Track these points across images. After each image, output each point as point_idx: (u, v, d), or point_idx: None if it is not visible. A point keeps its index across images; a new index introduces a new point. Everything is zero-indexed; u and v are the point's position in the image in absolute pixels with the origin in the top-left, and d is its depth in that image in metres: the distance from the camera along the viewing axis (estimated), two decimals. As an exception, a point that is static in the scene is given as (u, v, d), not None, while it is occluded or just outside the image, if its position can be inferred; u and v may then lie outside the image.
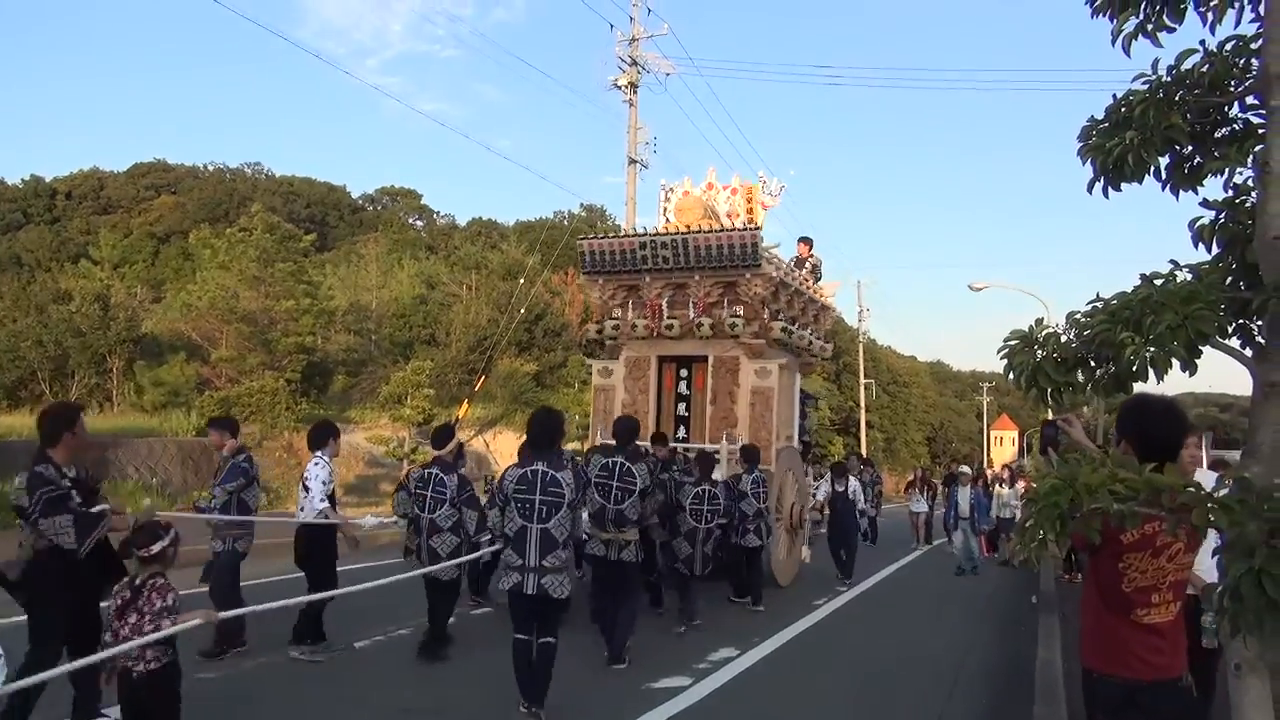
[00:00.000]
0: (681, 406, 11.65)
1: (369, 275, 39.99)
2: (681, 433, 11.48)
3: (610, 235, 11.67)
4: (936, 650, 8.50)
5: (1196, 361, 2.70)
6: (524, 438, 9.86)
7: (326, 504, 7.27)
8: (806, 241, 13.82)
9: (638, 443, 8.09)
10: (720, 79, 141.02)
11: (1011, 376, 2.98)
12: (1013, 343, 2.99)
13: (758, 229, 11.10)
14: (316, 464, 7.37)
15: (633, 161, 22.12)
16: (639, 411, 11.25)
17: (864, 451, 44.87)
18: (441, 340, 34.82)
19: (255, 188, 55.92)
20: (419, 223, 62.32)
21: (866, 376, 47.24)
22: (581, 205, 48.27)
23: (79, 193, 54.41)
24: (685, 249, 10.97)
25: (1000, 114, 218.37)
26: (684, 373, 11.66)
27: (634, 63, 22.17)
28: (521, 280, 31.04)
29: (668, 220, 12.21)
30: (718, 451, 10.67)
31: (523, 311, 30.26)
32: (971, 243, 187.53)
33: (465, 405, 24.74)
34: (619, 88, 22.24)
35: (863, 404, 46.30)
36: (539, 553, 5.51)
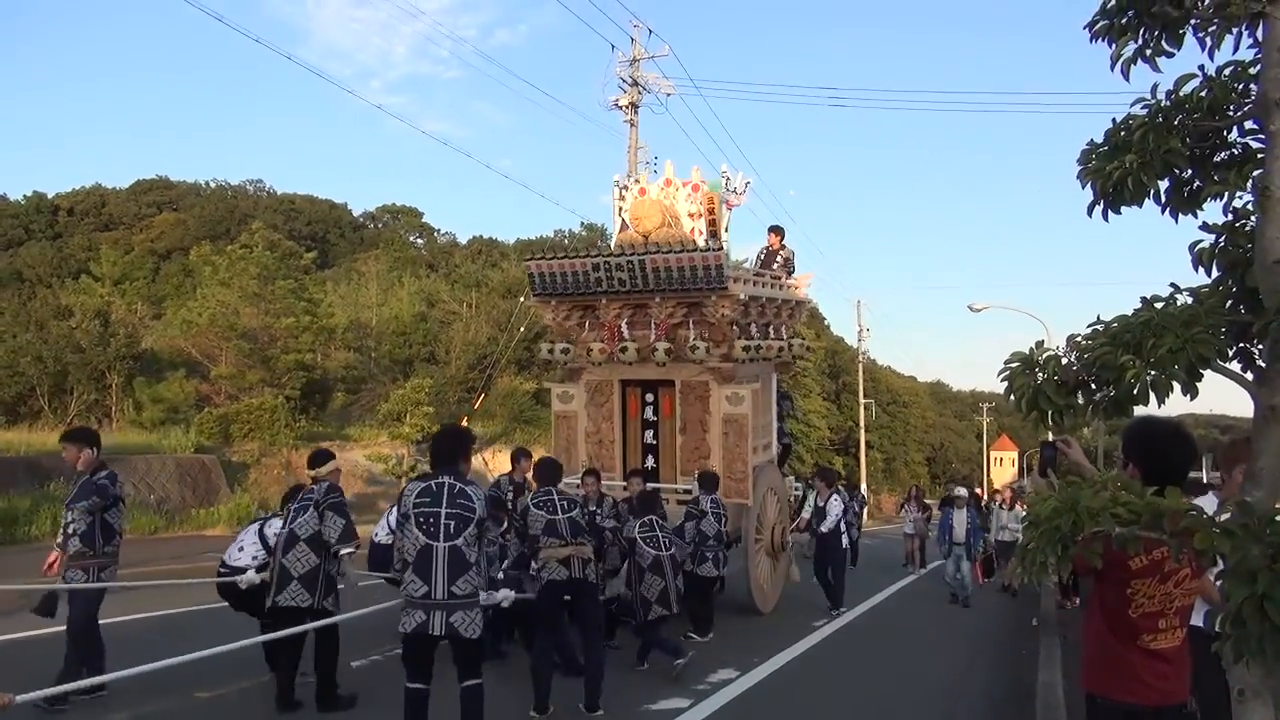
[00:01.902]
0: (649, 434, 10.76)
1: (369, 293, 40.09)
2: (650, 462, 10.63)
3: (559, 256, 10.68)
4: (937, 672, 8.46)
5: (1197, 385, 2.70)
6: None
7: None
8: (778, 231, 12.54)
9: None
10: (721, 100, 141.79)
11: (1012, 399, 2.97)
12: (1013, 365, 2.98)
13: (721, 250, 10.10)
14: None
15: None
16: (604, 440, 10.57)
17: (863, 472, 44.84)
18: (441, 358, 34.86)
19: (257, 205, 56.15)
20: (419, 241, 62.54)
21: (866, 396, 47.21)
22: (582, 224, 48.44)
23: (81, 209, 54.61)
24: (643, 270, 9.96)
25: (1002, 136, 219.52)
26: (649, 397, 10.75)
27: (635, 83, 22.28)
28: (521, 299, 31.06)
29: (623, 223, 11.07)
30: (689, 490, 9.91)
31: (522, 330, 30.26)
32: (972, 264, 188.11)
33: (464, 423, 24.72)
34: (620, 108, 22.35)
35: (862, 424, 46.26)
36: (447, 576, 4.75)
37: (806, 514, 12.22)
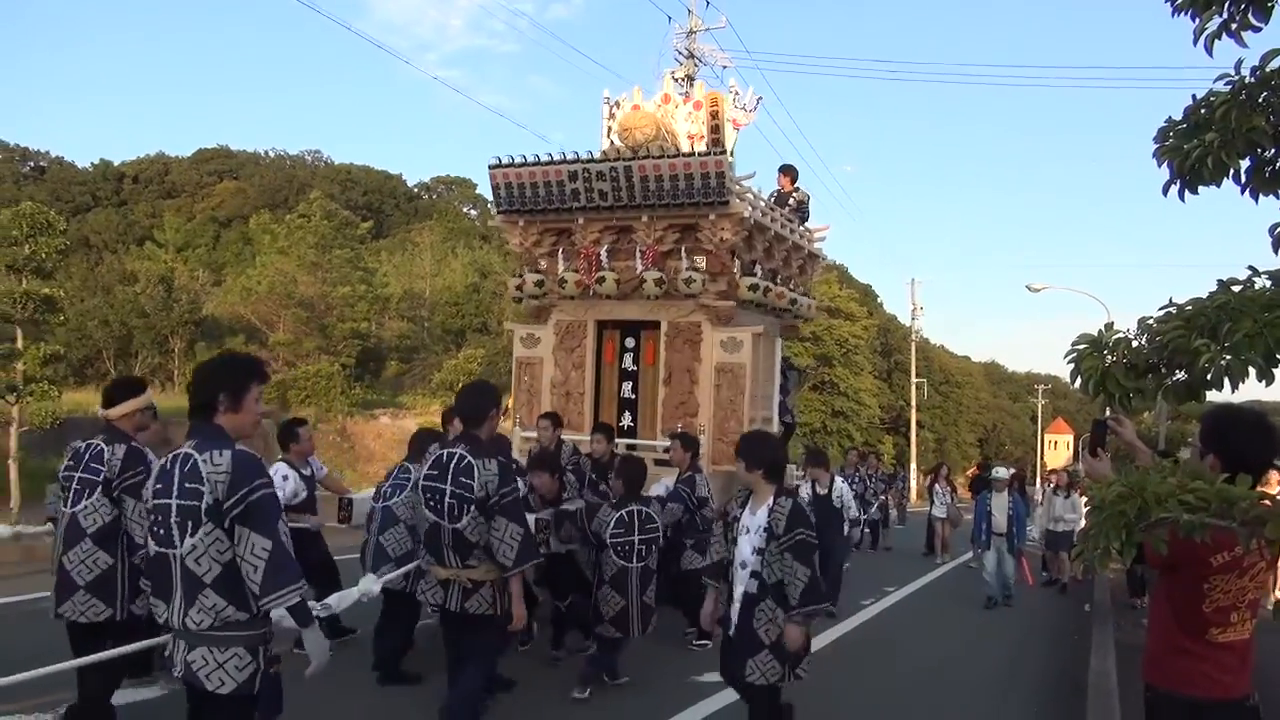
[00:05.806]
0: (627, 387, 9.16)
1: (423, 263, 40.55)
2: (627, 420, 9.08)
3: (530, 163, 8.90)
4: (985, 658, 8.39)
5: (1274, 371, 2.62)
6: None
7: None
8: (788, 172, 10.89)
9: (495, 421, 5.03)
10: (778, 73, 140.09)
11: (1079, 382, 2.91)
12: (1081, 347, 2.91)
13: (724, 153, 8.68)
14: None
15: (687, 154, 22.02)
16: (572, 393, 8.94)
17: (914, 451, 44.38)
18: (493, 329, 35.15)
19: (314, 174, 56.97)
20: (473, 212, 62.93)
21: (919, 376, 46.63)
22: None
23: (145, 177, 55.91)
24: (629, 180, 8.42)
25: (1064, 112, 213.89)
26: (629, 342, 9.18)
27: (691, 55, 22.09)
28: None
29: (612, 143, 9.48)
30: (668, 449, 7.89)
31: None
32: (1031, 243, 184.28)
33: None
34: (675, 80, 22.17)
35: (914, 403, 45.75)
36: (184, 601, 3.01)
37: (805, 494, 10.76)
